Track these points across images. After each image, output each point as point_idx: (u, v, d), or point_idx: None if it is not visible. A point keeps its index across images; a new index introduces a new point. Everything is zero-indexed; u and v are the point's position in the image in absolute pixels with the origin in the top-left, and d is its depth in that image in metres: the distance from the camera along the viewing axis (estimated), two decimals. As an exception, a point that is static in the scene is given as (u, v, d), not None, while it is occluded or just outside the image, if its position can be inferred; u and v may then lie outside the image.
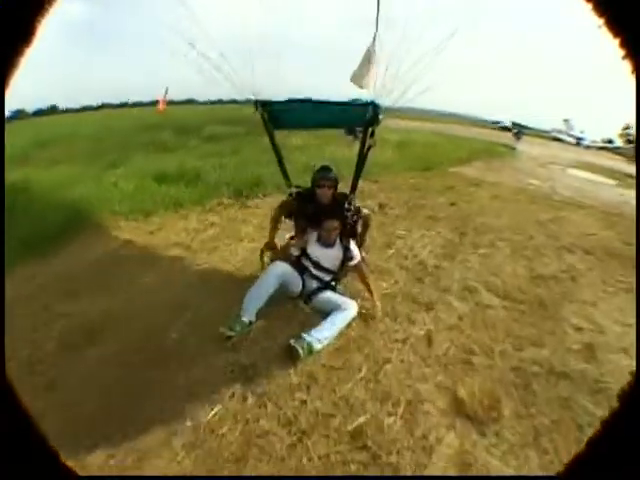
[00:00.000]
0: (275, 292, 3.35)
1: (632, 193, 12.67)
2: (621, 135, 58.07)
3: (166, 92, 20.52)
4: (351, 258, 3.57)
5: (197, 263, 4.51)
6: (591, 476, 1.14)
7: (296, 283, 3.53)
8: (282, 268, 3.43)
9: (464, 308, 3.79)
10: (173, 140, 13.94)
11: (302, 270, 3.59)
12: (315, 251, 3.59)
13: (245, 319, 3.18)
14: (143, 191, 7.00)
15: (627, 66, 1.19)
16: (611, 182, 15.53)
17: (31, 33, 1.22)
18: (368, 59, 3.14)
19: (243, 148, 10.83)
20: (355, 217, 3.59)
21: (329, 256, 3.57)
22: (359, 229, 3.78)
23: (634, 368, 2.96)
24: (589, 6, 1.26)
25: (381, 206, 7.01)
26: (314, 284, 3.57)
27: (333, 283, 3.64)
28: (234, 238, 5.22)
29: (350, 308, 3.35)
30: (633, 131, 53.46)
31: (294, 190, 3.67)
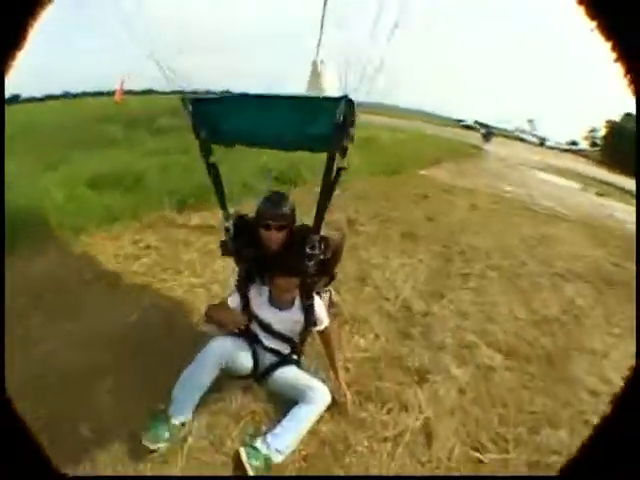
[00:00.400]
0: (217, 377, 2.48)
1: (610, 202, 12.63)
2: (586, 138, 60.07)
3: (123, 82, 19.16)
4: (315, 323, 2.61)
5: (122, 309, 3.46)
6: (589, 477, 1.12)
7: (244, 359, 2.59)
8: (221, 348, 2.50)
9: (464, 375, 3.02)
10: (121, 134, 12.38)
11: (252, 340, 2.65)
12: (266, 314, 2.62)
13: (176, 421, 2.31)
14: (74, 201, 5.65)
15: (619, 70, 1.19)
16: (581, 186, 15.56)
17: (23, 37, 1.24)
18: (315, 73, 2.59)
19: (194, 145, 8.93)
20: (321, 264, 2.47)
21: (285, 320, 2.62)
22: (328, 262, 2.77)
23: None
24: (581, 9, 1.26)
25: (350, 222, 6.14)
26: (269, 359, 2.65)
27: (295, 356, 2.73)
28: (172, 270, 4.18)
29: (320, 396, 2.47)
30: (599, 134, 55.38)
31: (230, 223, 2.49)
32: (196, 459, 2.19)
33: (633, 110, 1.33)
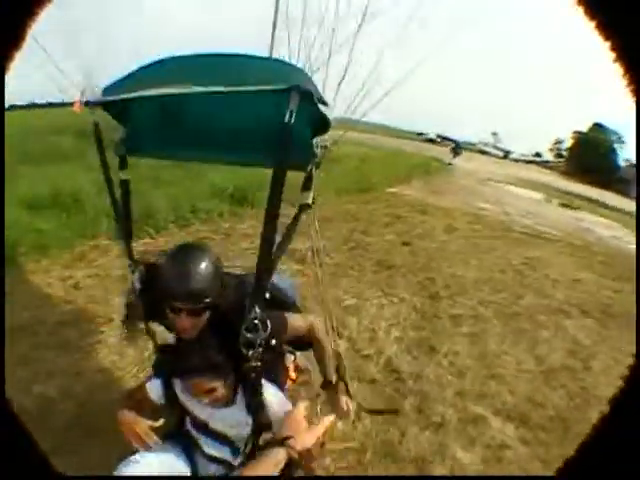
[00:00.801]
0: None
1: (584, 215, 12.52)
2: (551, 149, 61.86)
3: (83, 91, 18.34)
4: (269, 426, 1.72)
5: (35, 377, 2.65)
6: (585, 478, 1.09)
7: (179, 471, 1.78)
8: (142, 466, 1.67)
9: (476, 462, 2.39)
10: (72, 146, 10.81)
11: (188, 445, 1.87)
12: (198, 409, 1.81)
13: None
14: (11, 225, 4.76)
15: (618, 70, 1.16)
16: (548, 198, 15.58)
17: (21, 37, 1.20)
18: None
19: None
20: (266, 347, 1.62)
21: (225, 418, 1.81)
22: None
23: None
24: (580, 9, 1.22)
25: (314, 252, 5.38)
26: (212, 469, 1.85)
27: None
28: (99, 320, 3.34)
29: None
30: (565, 145, 57.06)
31: (136, 277, 1.75)
32: None
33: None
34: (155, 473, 1.69)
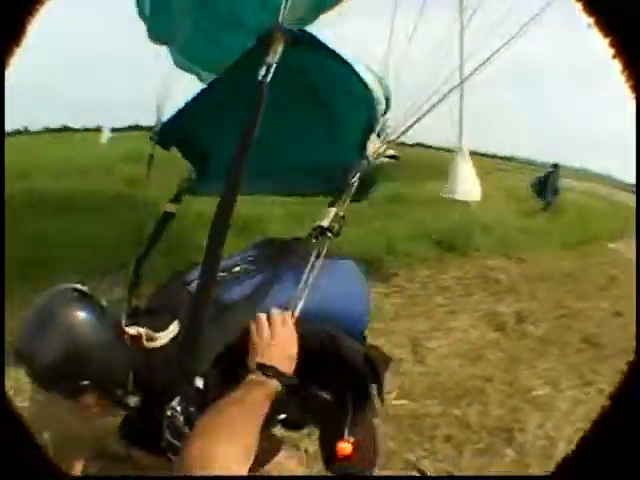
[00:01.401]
0: None
1: None
2: None
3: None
4: None
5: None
6: (583, 476, 1.09)
7: None
8: None
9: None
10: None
11: None
12: None
13: None
14: None
15: (617, 66, 1.16)
16: None
17: (21, 33, 1.22)
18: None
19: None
20: None
21: None
22: None
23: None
24: (579, 5, 1.23)
25: (520, 319, 4.73)
26: None
27: None
28: None
29: None
30: None
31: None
32: None
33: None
34: None
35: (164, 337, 1.21)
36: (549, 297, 5.44)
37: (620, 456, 1.03)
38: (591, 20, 1.20)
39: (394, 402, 3.04)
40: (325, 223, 1.28)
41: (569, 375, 3.71)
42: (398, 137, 1.41)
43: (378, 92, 1.35)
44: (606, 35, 1.18)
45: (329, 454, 1.46)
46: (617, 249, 9.02)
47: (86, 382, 1.12)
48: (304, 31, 1.19)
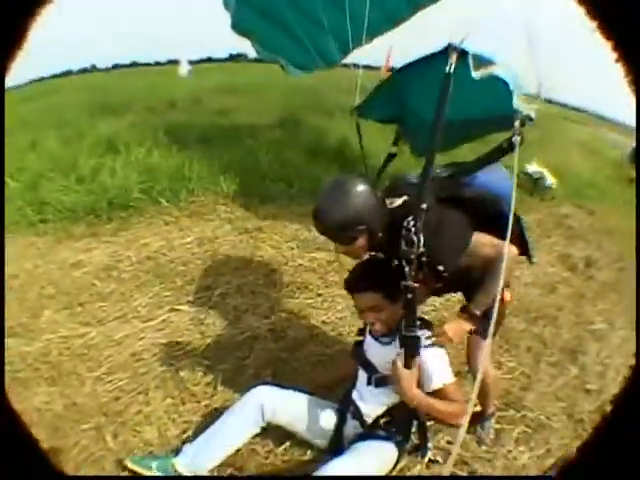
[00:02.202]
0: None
1: None
2: None
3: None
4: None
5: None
6: (586, 478, 1.09)
7: (315, 425, 2.02)
8: (269, 397, 2.03)
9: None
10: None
11: (344, 408, 2.06)
12: (370, 348, 2.04)
13: (177, 465, 1.93)
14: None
15: (621, 69, 1.18)
16: None
17: (23, 37, 1.25)
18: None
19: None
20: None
21: (383, 356, 1.92)
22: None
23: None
24: (583, 9, 1.24)
25: (588, 263, 5.10)
26: (352, 426, 1.98)
27: (382, 430, 1.92)
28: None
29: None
30: None
31: None
32: None
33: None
34: (299, 410, 2.04)
35: (398, 201, 1.83)
36: (613, 247, 5.69)
37: (621, 459, 1.05)
38: (594, 24, 1.22)
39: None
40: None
41: (622, 317, 4.08)
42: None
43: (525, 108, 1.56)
44: (609, 39, 1.20)
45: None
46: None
47: (363, 227, 1.72)
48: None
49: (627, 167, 11.01)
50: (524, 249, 1.97)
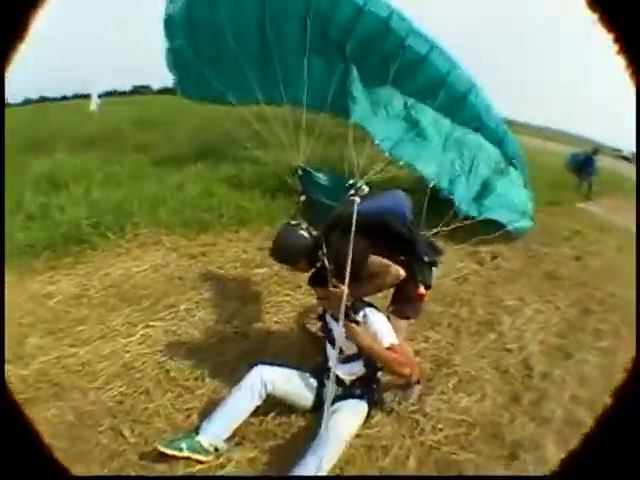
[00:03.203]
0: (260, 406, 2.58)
1: None
2: None
3: None
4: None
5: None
6: (585, 476, 1.11)
7: (302, 392, 2.65)
8: (283, 371, 2.63)
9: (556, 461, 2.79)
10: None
11: (322, 376, 2.70)
12: (335, 328, 2.57)
13: (201, 439, 2.37)
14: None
15: (621, 62, 1.18)
16: None
17: (25, 30, 1.26)
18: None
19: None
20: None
21: (344, 335, 2.47)
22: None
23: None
24: (584, 1, 1.24)
25: (494, 257, 6.02)
26: (330, 391, 2.35)
27: (359, 390, 2.59)
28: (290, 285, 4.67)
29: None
30: None
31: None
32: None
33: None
34: (292, 382, 2.63)
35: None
36: (520, 242, 6.61)
37: (621, 458, 1.07)
38: (596, 16, 1.24)
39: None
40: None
41: (532, 297, 4.92)
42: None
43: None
44: (610, 31, 1.21)
45: (405, 299, 3.05)
46: (584, 208, 10.24)
47: (301, 256, 2.75)
48: None
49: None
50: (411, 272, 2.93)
